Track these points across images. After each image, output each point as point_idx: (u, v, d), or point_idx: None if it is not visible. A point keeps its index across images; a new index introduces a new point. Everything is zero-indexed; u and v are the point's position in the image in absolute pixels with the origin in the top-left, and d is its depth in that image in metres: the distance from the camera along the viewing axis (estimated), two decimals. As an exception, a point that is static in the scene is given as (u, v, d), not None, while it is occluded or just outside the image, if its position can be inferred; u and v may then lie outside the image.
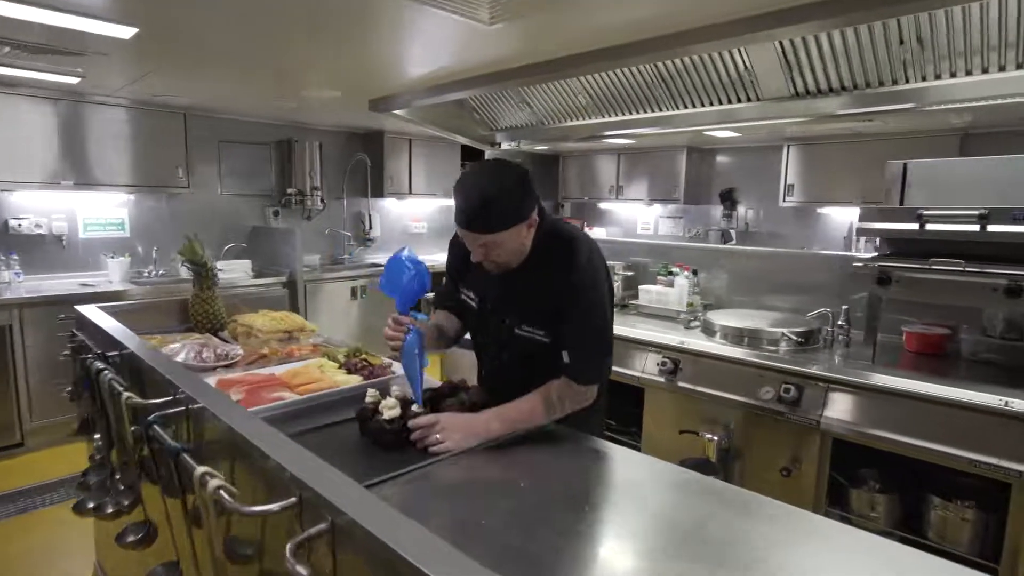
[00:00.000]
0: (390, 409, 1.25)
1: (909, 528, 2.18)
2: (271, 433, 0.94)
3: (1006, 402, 1.86)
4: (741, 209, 6.13)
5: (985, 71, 2.29)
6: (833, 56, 2.50)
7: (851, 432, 2.17)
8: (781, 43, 2.54)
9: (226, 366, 1.73)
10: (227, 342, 2.02)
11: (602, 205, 7.34)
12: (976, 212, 1.98)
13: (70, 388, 1.91)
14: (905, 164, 2.46)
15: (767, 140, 5.61)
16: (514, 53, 2.91)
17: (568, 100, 3.53)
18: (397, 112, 3.91)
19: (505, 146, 4.44)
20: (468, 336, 1.76)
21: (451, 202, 5.90)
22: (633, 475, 1.28)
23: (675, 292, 3.17)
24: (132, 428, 1.26)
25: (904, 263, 2.16)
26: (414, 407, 1.31)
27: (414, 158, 5.50)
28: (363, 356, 1.75)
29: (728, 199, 6.19)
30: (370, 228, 5.48)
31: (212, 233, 4.45)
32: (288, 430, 1.36)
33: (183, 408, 1.17)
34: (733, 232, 6.01)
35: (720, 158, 6.39)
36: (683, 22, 2.44)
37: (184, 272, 4.45)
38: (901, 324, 2.55)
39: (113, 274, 4.08)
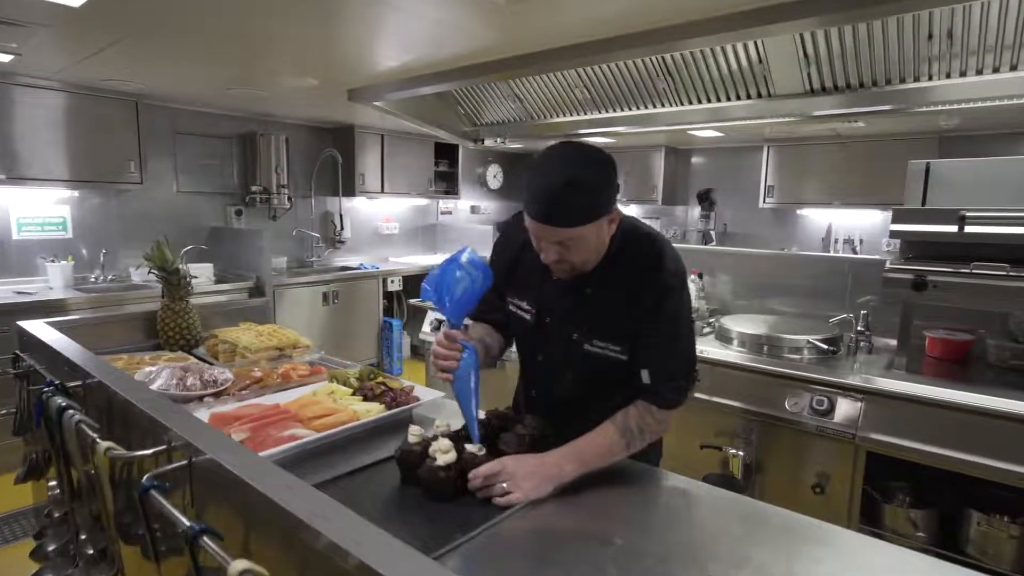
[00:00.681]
0: (444, 453, 1.02)
1: (948, 545, 2.09)
2: (335, 509, 0.70)
3: (1059, 413, 1.77)
4: (718, 210, 6.11)
5: (1014, 68, 2.23)
6: (856, 51, 2.39)
7: (891, 446, 2.05)
8: (802, 36, 2.42)
9: (215, 394, 1.44)
10: (210, 363, 1.72)
11: (576, 206, 7.20)
12: (1024, 214, 1.90)
13: (6, 412, 1.57)
14: (928, 164, 2.38)
15: (746, 141, 5.59)
16: (513, 41, 2.69)
17: (564, 94, 3.34)
18: (377, 104, 3.63)
19: (488, 142, 4.23)
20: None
21: (423, 201, 5.63)
22: (737, 527, 1.08)
23: (681, 297, 3.02)
24: (107, 474, 0.99)
25: (941, 267, 2.06)
26: (471, 447, 1.08)
27: (387, 155, 5.19)
28: (381, 379, 1.49)
29: (706, 200, 6.15)
30: (341, 229, 5.14)
31: (167, 234, 4.03)
32: (311, 478, 1.11)
33: (185, 462, 0.91)
34: (713, 233, 5.97)
35: (696, 159, 6.36)
36: (691, 11, 2.28)
37: (137, 277, 4.05)
38: (921, 329, 2.47)
39: (54, 280, 3.62)
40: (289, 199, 4.62)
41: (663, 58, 2.82)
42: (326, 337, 4.57)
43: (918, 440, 2.02)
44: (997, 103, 2.40)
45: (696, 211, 6.24)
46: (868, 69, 2.44)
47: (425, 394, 1.49)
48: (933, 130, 4.29)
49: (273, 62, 3.03)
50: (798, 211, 5.50)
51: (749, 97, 2.86)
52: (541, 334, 1.33)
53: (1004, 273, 1.95)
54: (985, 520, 2.02)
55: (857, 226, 5.19)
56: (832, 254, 4.89)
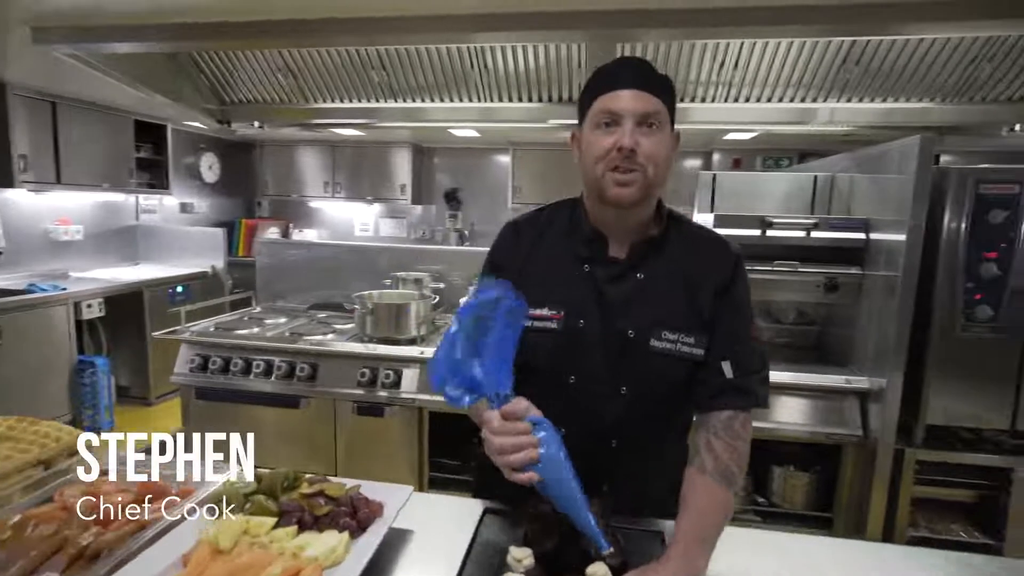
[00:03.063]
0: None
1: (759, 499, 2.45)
2: None
3: (847, 380, 2.22)
4: (465, 209, 6.20)
5: (769, 100, 2.72)
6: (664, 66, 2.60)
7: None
8: (624, 46, 2.52)
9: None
10: None
11: (313, 204, 6.47)
12: (813, 220, 2.31)
13: None
14: (714, 175, 2.74)
15: (492, 143, 5.78)
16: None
17: (356, 74, 2.83)
18: (76, 53, 2.50)
19: (237, 126, 3.38)
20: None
21: (118, 197, 4.36)
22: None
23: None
24: None
25: (751, 266, 2.38)
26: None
27: (62, 132, 3.72)
28: (309, 487, 0.94)
29: (453, 199, 6.19)
30: (-7, 235, 3.49)
31: None
32: None
33: None
34: (466, 232, 6.04)
35: (439, 159, 6.33)
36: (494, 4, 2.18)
37: None
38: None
39: None
40: None
41: (479, 48, 2.63)
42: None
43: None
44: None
45: (434, 210, 6.25)
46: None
47: (384, 494, 1.00)
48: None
49: None
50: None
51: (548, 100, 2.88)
52: (573, 345, 1.03)
53: (794, 269, 2.35)
54: (783, 473, 2.42)
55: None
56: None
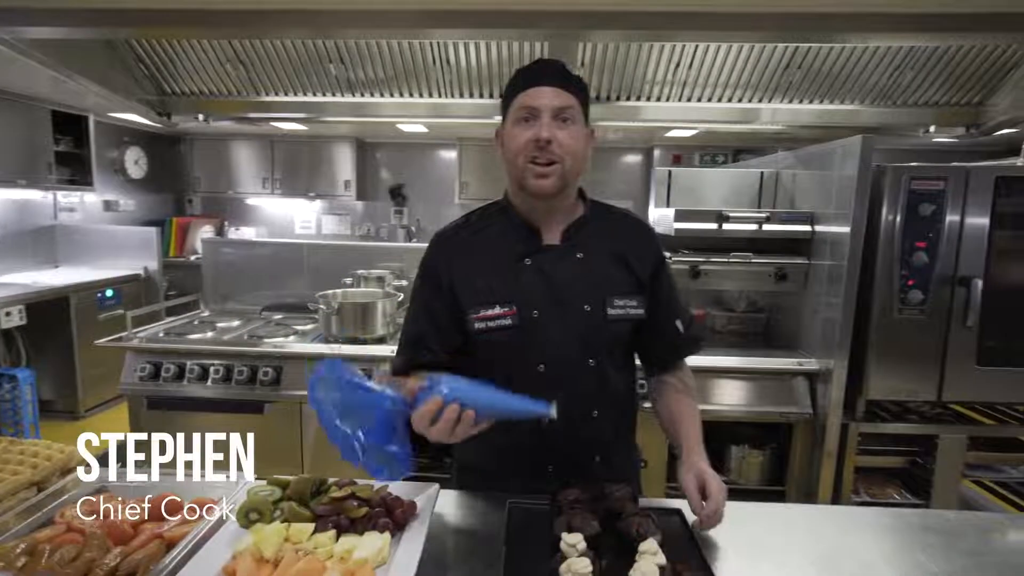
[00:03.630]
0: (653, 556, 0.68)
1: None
2: None
3: (799, 363, 2.39)
4: (411, 205, 6.12)
5: (719, 100, 2.86)
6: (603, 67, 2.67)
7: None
8: (586, 46, 2.58)
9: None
10: None
11: (250, 201, 6.18)
12: (765, 214, 2.45)
13: None
14: (670, 171, 2.86)
15: (437, 138, 5.72)
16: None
17: (310, 65, 2.73)
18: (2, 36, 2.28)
19: (178, 119, 3.19)
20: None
21: (35, 195, 4.05)
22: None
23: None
24: None
25: (709, 257, 2.51)
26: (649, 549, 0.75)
27: (-31, 122, 3.38)
28: (347, 490, 0.93)
29: (398, 195, 6.10)
30: None
31: None
32: None
33: None
34: (413, 228, 5.97)
35: (382, 154, 6.21)
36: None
37: None
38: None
39: None
40: None
41: (441, 43, 2.61)
42: None
43: (706, 403, 2.42)
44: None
45: (379, 207, 6.14)
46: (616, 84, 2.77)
47: (411, 492, 1.00)
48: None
49: None
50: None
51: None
52: (534, 335, 1.08)
53: (748, 260, 2.50)
54: (739, 452, 2.58)
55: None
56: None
